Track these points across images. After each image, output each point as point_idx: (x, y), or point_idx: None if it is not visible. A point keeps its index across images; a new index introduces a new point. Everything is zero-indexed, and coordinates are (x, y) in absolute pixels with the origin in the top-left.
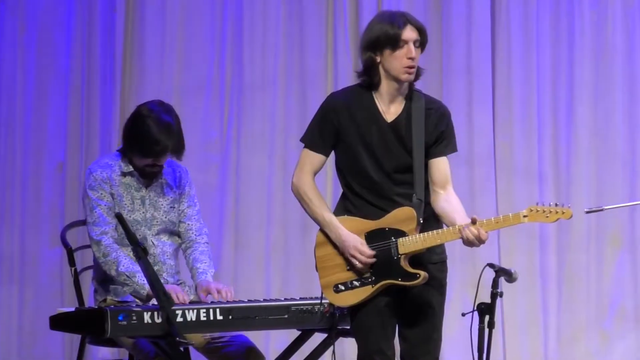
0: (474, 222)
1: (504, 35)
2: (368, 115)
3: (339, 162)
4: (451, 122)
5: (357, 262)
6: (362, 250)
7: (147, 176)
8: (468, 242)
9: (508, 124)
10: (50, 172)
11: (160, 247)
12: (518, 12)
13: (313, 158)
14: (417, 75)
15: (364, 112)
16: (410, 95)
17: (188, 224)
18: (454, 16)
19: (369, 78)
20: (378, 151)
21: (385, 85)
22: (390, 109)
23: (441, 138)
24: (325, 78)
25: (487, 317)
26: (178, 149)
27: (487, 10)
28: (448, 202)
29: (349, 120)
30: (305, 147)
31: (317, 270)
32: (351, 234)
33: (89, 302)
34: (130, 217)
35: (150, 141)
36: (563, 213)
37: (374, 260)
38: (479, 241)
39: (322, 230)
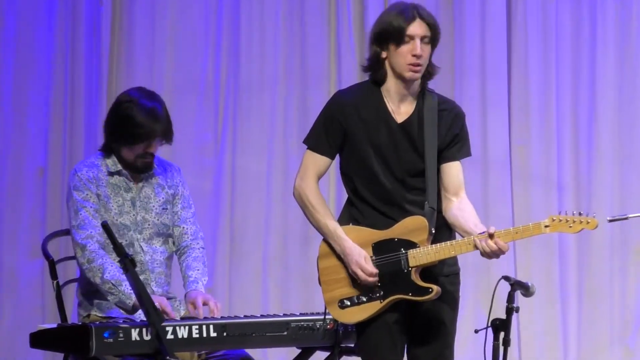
0: (491, 236)
1: (520, 32)
2: (377, 115)
3: (344, 166)
4: (465, 124)
5: (358, 279)
6: (364, 267)
7: (140, 170)
8: (486, 255)
9: (525, 127)
10: (30, 177)
11: (150, 253)
12: (536, 6)
13: (317, 161)
14: (431, 74)
15: (373, 111)
16: (422, 94)
17: (183, 227)
18: (467, 11)
19: (374, 74)
20: (388, 154)
21: (393, 84)
22: (400, 109)
23: (455, 141)
24: (328, 78)
25: (502, 334)
26: (167, 131)
27: (503, 5)
28: (461, 210)
29: (356, 120)
30: (308, 148)
31: (320, 284)
32: (356, 246)
33: (72, 318)
34: (117, 220)
35: (137, 125)
36: (588, 223)
37: (376, 279)
38: (498, 254)
39: (325, 240)
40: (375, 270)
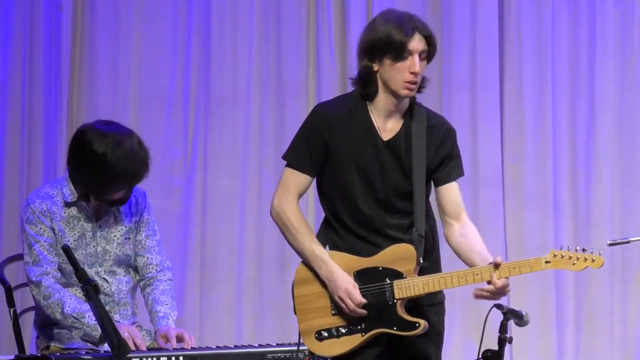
0: (496, 266)
1: (514, 40)
2: (362, 131)
3: (323, 186)
4: (456, 141)
5: (345, 308)
6: (353, 296)
7: (112, 205)
8: (486, 296)
9: (518, 143)
10: None
11: (115, 284)
12: (530, 13)
13: (298, 179)
14: (420, 88)
15: (358, 127)
16: (411, 110)
17: (148, 258)
18: (456, 18)
19: (364, 89)
20: (372, 174)
21: (383, 99)
22: (387, 126)
23: (446, 161)
24: (306, 90)
25: None
26: (146, 171)
27: (495, 12)
28: (464, 236)
29: (340, 136)
30: (288, 165)
31: (295, 313)
32: (344, 273)
33: (31, 348)
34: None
35: (117, 177)
36: (593, 261)
37: (363, 311)
38: (499, 294)
39: (304, 265)
40: (363, 301)
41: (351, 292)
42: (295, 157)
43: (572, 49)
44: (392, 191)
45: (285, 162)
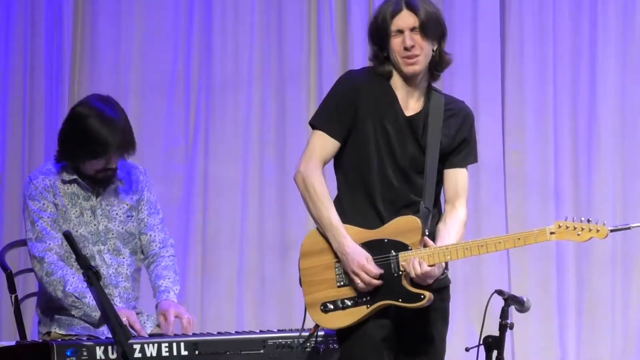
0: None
1: (515, 25)
2: (388, 103)
3: (344, 155)
4: (474, 126)
5: (360, 282)
6: (368, 269)
7: (100, 183)
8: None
9: (519, 130)
10: None
11: (114, 266)
12: None
13: (326, 143)
14: (439, 66)
15: (384, 98)
16: (429, 94)
17: (150, 235)
18: (457, 4)
19: (379, 69)
20: (395, 144)
21: (398, 80)
22: (408, 104)
23: (462, 146)
24: (308, 76)
25: (495, 353)
26: (126, 145)
27: None
28: (444, 222)
29: (370, 105)
30: (317, 128)
31: (300, 285)
32: (357, 247)
33: (32, 334)
34: (77, 232)
35: (93, 140)
36: (597, 231)
37: (379, 282)
38: (420, 279)
39: (309, 238)
40: (379, 272)
41: (365, 266)
42: (325, 121)
43: (573, 34)
44: (410, 166)
45: (313, 127)
